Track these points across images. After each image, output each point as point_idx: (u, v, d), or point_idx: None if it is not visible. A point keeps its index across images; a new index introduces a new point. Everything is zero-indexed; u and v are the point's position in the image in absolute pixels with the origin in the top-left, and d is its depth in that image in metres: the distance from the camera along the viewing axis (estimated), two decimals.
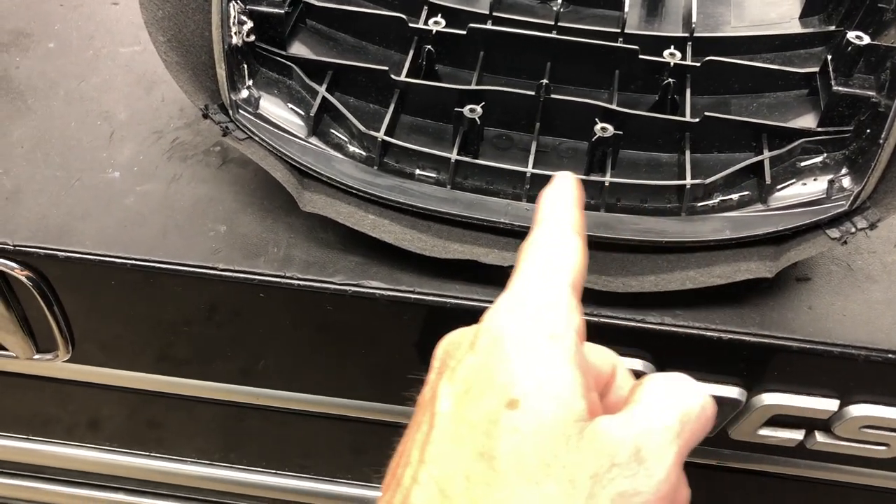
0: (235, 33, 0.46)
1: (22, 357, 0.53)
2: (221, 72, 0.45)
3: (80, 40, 0.58)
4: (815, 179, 0.45)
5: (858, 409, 0.45)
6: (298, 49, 0.50)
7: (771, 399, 0.46)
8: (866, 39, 0.44)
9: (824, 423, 0.47)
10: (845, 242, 0.42)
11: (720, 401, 0.45)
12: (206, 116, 0.45)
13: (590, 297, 0.43)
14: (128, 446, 0.63)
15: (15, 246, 0.46)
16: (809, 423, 0.47)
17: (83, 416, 0.62)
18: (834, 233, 0.43)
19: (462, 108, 0.46)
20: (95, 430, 0.63)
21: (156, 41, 0.45)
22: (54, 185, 0.48)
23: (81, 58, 0.56)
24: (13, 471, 0.69)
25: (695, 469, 0.53)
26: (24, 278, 0.47)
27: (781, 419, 0.47)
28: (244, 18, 0.46)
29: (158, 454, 0.64)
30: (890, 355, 0.42)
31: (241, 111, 0.46)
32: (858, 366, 0.43)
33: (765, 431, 0.48)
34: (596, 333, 0.43)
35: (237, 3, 0.46)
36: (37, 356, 0.53)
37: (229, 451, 0.62)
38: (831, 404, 0.45)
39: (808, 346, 0.43)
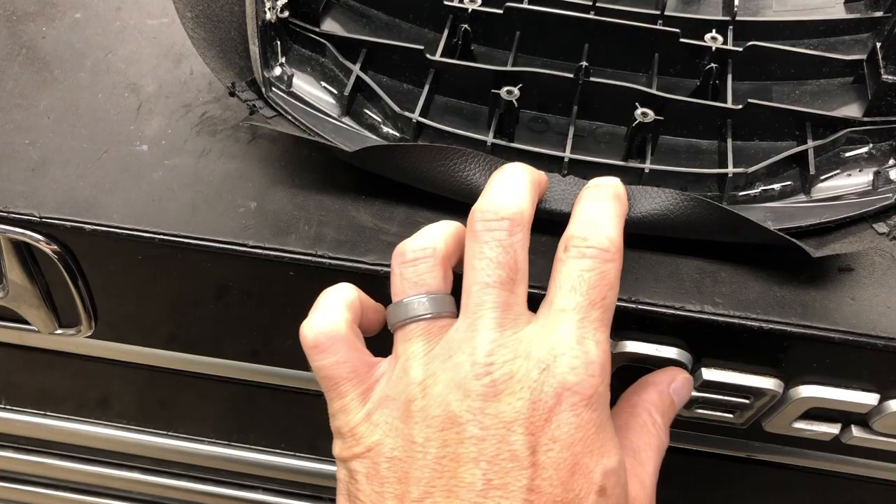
0: (269, 9, 0.45)
1: (44, 331, 0.53)
2: (255, 48, 0.44)
3: (106, 11, 0.56)
4: (860, 170, 0.45)
5: None
6: (331, 26, 0.49)
7: (808, 392, 0.45)
8: None
9: (862, 418, 0.46)
10: (894, 238, 0.41)
11: (757, 392, 0.45)
12: (232, 94, 0.45)
13: (626, 283, 0.43)
14: (148, 424, 0.62)
15: (41, 218, 0.45)
16: (846, 417, 0.46)
17: (101, 392, 0.61)
18: (882, 227, 0.42)
19: (498, 89, 0.45)
20: (113, 406, 0.62)
21: (182, 17, 0.45)
22: (81, 156, 0.48)
23: (108, 29, 0.55)
24: (24, 446, 0.69)
25: (725, 461, 0.53)
26: (49, 251, 0.46)
27: (818, 412, 0.46)
28: None
29: (176, 433, 0.64)
30: None
31: (273, 89, 0.45)
32: None
33: (800, 424, 0.47)
34: (628, 320, 0.43)
35: None
36: (59, 331, 0.52)
37: (247, 431, 0.62)
38: (871, 398, 0.44)
39: (850, 339, 0.42)
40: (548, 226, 0.42)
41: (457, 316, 0.37)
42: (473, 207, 0.38)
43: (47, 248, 0.46)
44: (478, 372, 0.34)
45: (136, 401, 0.62)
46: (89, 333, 0.52)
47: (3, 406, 0.65)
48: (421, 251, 0.37)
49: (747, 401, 0.46)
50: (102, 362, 0.57)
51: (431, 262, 0.37)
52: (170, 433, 0.63)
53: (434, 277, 0.37)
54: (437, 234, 0.38)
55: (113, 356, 0.55)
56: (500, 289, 0.36)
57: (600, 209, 0.38)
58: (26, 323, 0.53)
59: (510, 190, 0.37)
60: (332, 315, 0.38)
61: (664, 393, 0.43)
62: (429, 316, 0.37)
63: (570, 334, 0.35)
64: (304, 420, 0.60)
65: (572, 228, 0.37)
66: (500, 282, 0.36)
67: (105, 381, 0.60)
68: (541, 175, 0.41)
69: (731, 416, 0.47)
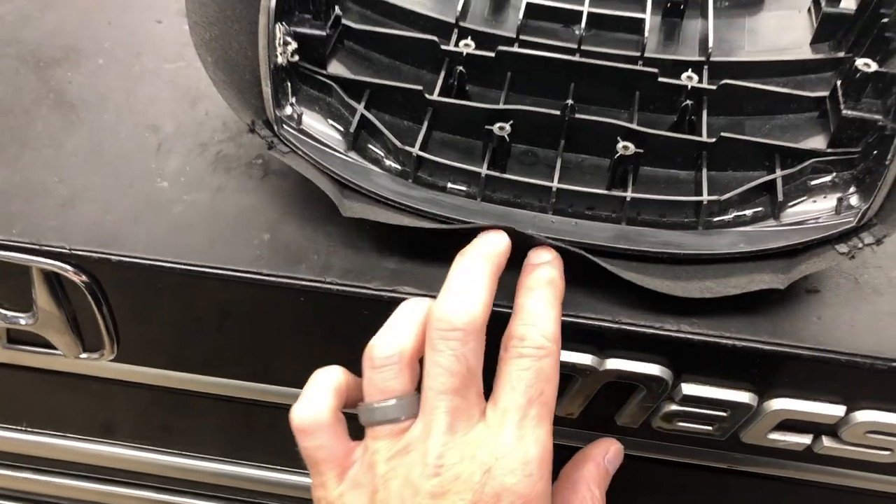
0: (281, 54, 0.49)
1: (69, 356, 0.56)
2: (267, 90, 0.48)
3: (127, 56, 0.61)
4: (824, 197, 0.48)
5: (864, 415, 0.48)
6: (337, 68, 0.53)
7: (781, 404, 0.48)
8: (874, 66, 0.47)
9: (831, 428, 0.49)
10: (853, 257, 0.45)
11: (733, 406, 0.48)
12: (252, 131, 0.48)
13: (610, 304, 0.46)
14: (165, 444, 0.66)
15: (71, 250, 0.49)
16: (817, 428, 0.50)
17: (120, 413, 0.65)
18: (843, 248, 0.45)
19: (491, 125, 0.49)
20: (131, 427, 0.65)
21: (204, 61, 0.48)
22: (107, 193, 0.51)
23: (129, 73, 0.59)
24: (43, 467, 0.72)
25: (707, 472, 0.56)
26: (77, 280, 0.50)
27: (791, 423, 0.49)
28: (289, 40, 0.50)
29: (190, 452, 0.67)
30: (894, 363, 0.45)
31: (285, 126, 0.49)
32: (864, 373, 0.45)
33: (774, 435, 0.50)
34: (616, 339, 0.47)
35: (282, 25, 0.49)
36: (83, 355, 0.56)
37: (260, 451, 0.65)
38: (838, 410, 0.48)
39: (816, 354, 0.45)
40: None
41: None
42: (432, 309, 0.40)
43: (76, 277, 0.50)
44: (428, 473, 0.39)
45: (153, 421, 0.65)
46: (111, 357, 0.56)
47: (23, 428, 0.69)
48: (388, 359, 0.41)
49: (725, 413, 0.49)
50: (122, 384, 0.60)
51: (397, 369, 0.41)
52: (185, 452, 0.67)
53: (399, 383, 0.41)
54: (404, 335, 0.41)
55: (133, 378, 0.59)
56: (453, 395, 0.40)
57: (537, 301, 0.42)
58: (53, 348, 0.56)
59: (466, 295, 0.40)
60: (319, 403, 0.43)
61: (600, 465, 0.48)
62: (393, 420, 0.41)
63: (511, 435, 0.39)
64: None
65: (512, 327, 0.41)
66: (452, 389, 0.39)
67: (124, 402, 0.63)
68: (500, 249, 0.43)
69: (710, 428, 0.51)
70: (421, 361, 0.41)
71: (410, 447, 0.40)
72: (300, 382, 0.56)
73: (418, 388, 0.41)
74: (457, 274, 0.42)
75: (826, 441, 0.50)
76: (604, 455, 0.48)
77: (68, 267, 0.49)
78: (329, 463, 0.42)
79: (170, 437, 0.66)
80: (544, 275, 0.43)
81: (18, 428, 0.68)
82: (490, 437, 0.40)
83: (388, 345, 0.41)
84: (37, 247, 0.49)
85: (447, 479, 0.39)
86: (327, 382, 0.43)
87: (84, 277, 0.50)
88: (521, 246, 0.45)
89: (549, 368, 0.40)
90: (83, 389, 0.62)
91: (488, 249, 0.43)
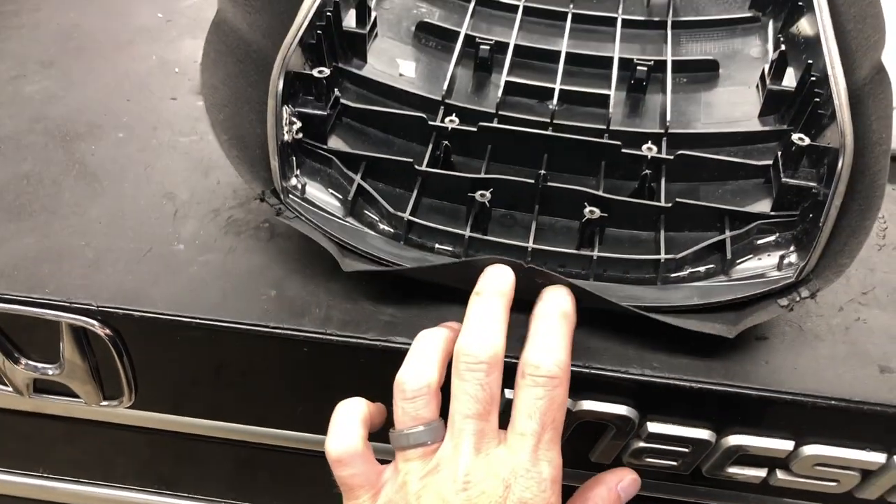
0: (287, 132, 0.55)
1: (89, 403, 0.62)
2: (275, 164, 0.55)
3: (144, 131, 0.67)
4: (769, 255, 0.54)
5: (811, 449, 0.53)
6: (337, 143, 0.60)
7: (736, 440, 0.53)
8: (807, 141, 0.54)
9: (783, 462, 0.55)
10: (791, 309, 0.51)
11: (694, 442, 0.54)
12: (262, 200, 0.55)
13: (581, 352, 0.52)
14: (178, 488, 0.70)
15: (98, 306, 0.54)
16: (770, 462, 0.55)
17: (137, 457, 0.69)
18: (783, 301, 0.51)
19: (474, 193, 0.55)
20: (148, 471, 0.70)
21: (219, 139, 0.54)
22: (129, 255, 0.57)
23: (147, 146, 0.66)
24: None
25: None
26: (102, 334, 0.55)
27: (746, 458, 0.55)
28: (294, 119, 0.56)
29: (197, 495, 0.71)
30: (833, 402, 0.51)
31: (290, 196, 0.55)
32: (807, 411, 0.51)
33: (733, 469, 0.56)
34: (585, 383, 0.52)
35: (288, 107, 0.56)
36: (104, 403, 0.61)
37: (265, 492, 0.70)
38: (787, 444, 0.53)
39: (764, 395, 0.51)
40: None
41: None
42: (459, 345, 0.46)
43: (101, 331, 0.55)
44: (457, 488, 0.44)
45: (163, 464, 0.70)
46: (129, 404, 0.61)
47: (41, 474, 0.73)
48: (418, 391, 0.46)
49: (687, 449, 0.55)
50: (137, 430, 0.65)
51: (427, 399, 0.46)
52: (193, 495, 0.71)
53: (429, 411, 0.46)
54: (430, 369, 0.46)
55: (148, 424, 0.64)
56: (478, 419, 0.45)
57: (551, 331, 0.47)
58: (75, 396, 0.61)
59: (488, 332, 0.46)
60: (352, 434, 0.48)
61: (612, 490, 0.53)
62: (423, 444, 0.46)
63: (527, 457, 0.45)
64: (308, 479, 0.68)
65: (528, 354, 0.46)
66: (477, 414, 0.45)
67: (138, 447, 0.68)
68: (510, 285, 0.49)
69: (675, 463, 0.56)
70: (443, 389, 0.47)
71: (440, 466, 0.45)
72: (303, 426, 0.62)
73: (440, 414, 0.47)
74: (478, 312, 0.47)
75: (780, 474, 0.55)
76: (617, 482, 0.53)
77: (95, 322, 0.55)
78: (364, 487, 0.47)
79: (179, 480, 0.71)
80: (560, 306, 0.49)
81: (36, 474, 0.72)
82: (511, 458, 0.45)
83: (417, 378, 0.46)
84: (66, 304, 0.54)
85: (474, 494, 0.44)
86: (354, 414, 0.49)
87: (108, 331, 0.55)
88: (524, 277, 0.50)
89: (560, 397, 0.46)
90: (100, 435, 0.67)
91: (500, 286, 0.48)
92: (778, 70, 0.61)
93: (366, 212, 0.57)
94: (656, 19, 0.71)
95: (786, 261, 0.53)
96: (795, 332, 0.54)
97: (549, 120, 0.60)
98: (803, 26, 0.64)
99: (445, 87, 0.62)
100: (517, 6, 0.71)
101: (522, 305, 0.49)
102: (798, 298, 0.51)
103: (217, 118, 0.55)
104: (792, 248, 0.54)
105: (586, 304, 0.50)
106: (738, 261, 0.54)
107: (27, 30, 0.78)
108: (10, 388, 0.62)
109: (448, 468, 0.45)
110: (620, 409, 0.53)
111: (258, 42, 0.59)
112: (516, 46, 0.65)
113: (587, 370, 0.52)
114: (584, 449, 0.57)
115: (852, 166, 0.50)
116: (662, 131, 0.61)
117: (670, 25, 0.70)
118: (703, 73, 0.67)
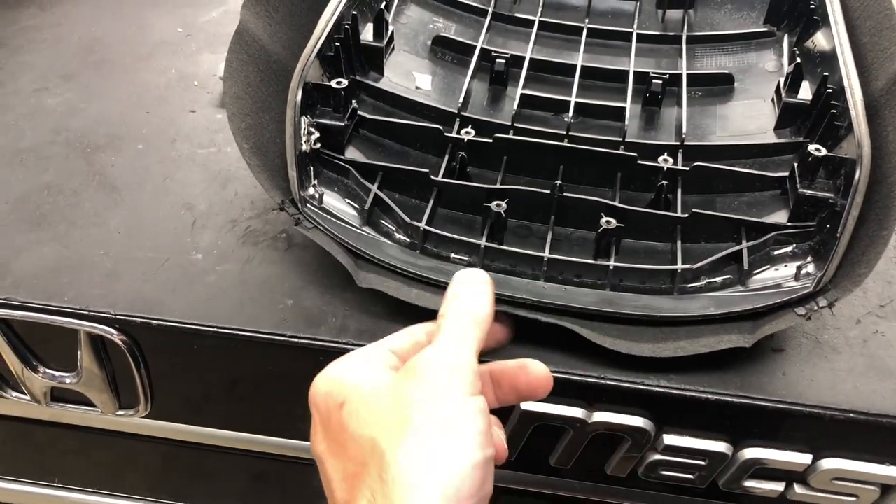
0: (305, 142, 0.56)
1: (106, 412, 0.62)
2: (293, 173, 0.55)
3: (163, 143, 0.68)
4: (785, 265, 0.54)
5: (829, 463, 0.53)
6: (354, 154, 0.60)
7: (753, 453, 0.53)
8: (824, 151, 0.54)
9: (801, 476, 0.54)
10: (809, 318, 0.51)
11: (711, 455, 0.53)
12: (281, 209, 0.55)
13: (597, 362, 0.52)
14: (191, 498, 0.70)
15: (116, 315, 0.55)
16: (788, 476, 0.54)
17: (150, 467, 0.70)
18: (801, 310, 0.51)
19: (490, 203, 0.56)
20: (162, 481, 0.70)
21: (241, 148, 0.55)
22: (147, 264, 0.58)
23: (166, 157, 0.67)
24: None
25: None
26: (119, 342, 0.56)
27: (763, 472, 0.54)
28: (312, 130, 0.57)
29: None
30: (851, 415, 0.50)
31: (308, 205, 0.56)
32: (825, 424, 0.51)
33: (750, 483, 0.55)
34: (601, 394, 0.52)
35: (307, 117, 0.56)
36: (120, 412, 0.61)
37: (276, 502, 0.70)
38: (805, 458, 0.53)
39: (781, 407, 0.51)
40: None
41: None
42: None
43: (119, 339, 0.56)
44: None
45: (182, 477, 0.70)
46: (144, 413, 0.61)
47: (56, 484, 0.73)
48: None
49: (703, 462, 0.54)
50: (151, 440, 0.65)
51: None
52: None
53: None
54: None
55: (164, 434, 0.64)
56: None
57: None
58: (92, 405, 0.62)
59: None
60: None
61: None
62: None
63: None
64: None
65: None
66: None
67: (152, 457, 0.68)
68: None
69: (691, 476, 0.55)
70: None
71: None
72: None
73: None
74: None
75: (797, 488, 0.55)
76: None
77: (112, 330, 0.55)
78: None
79: (191, 493, 0.71)
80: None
81: (52, 484, 0.73)
82: None
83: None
84: (85, 312, 0.55)
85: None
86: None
87: (126, 340, 0.56)
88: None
89: None
90: (115, 446, 0.67)
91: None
92: (794, 83, 0.61)
93: (382, 221, 0.57)
94: (671, 34, 0.71)
95: (803, 271, 0.53)
96: (812, 344, 0.54)
97: (564, 132, 0.61)
98: (819, 40, 0.64)
99: (461, 99, 0.62)
100: (533, 21, 0.71)
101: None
102: (816, 308, 0.51)
103: (239, 126, 0.55)
104: (809, 259, 0.54)
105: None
106: (755, 271, 0.54)
107: (49, 44, 0.79)
108: (28, 397, 0.62)
109: None
110: (636, 421, 0.53)
111: (279, 53, 0.60)
112: (532, 60, 0.66)
113: (602, 381, 0.52)
114: (599, 462, 0.57)
115: (869, 176, 0.50)
116: (678, 143, 0.61)
117: (685, 40, 0.70)
118: (718, 87, 0.67)
